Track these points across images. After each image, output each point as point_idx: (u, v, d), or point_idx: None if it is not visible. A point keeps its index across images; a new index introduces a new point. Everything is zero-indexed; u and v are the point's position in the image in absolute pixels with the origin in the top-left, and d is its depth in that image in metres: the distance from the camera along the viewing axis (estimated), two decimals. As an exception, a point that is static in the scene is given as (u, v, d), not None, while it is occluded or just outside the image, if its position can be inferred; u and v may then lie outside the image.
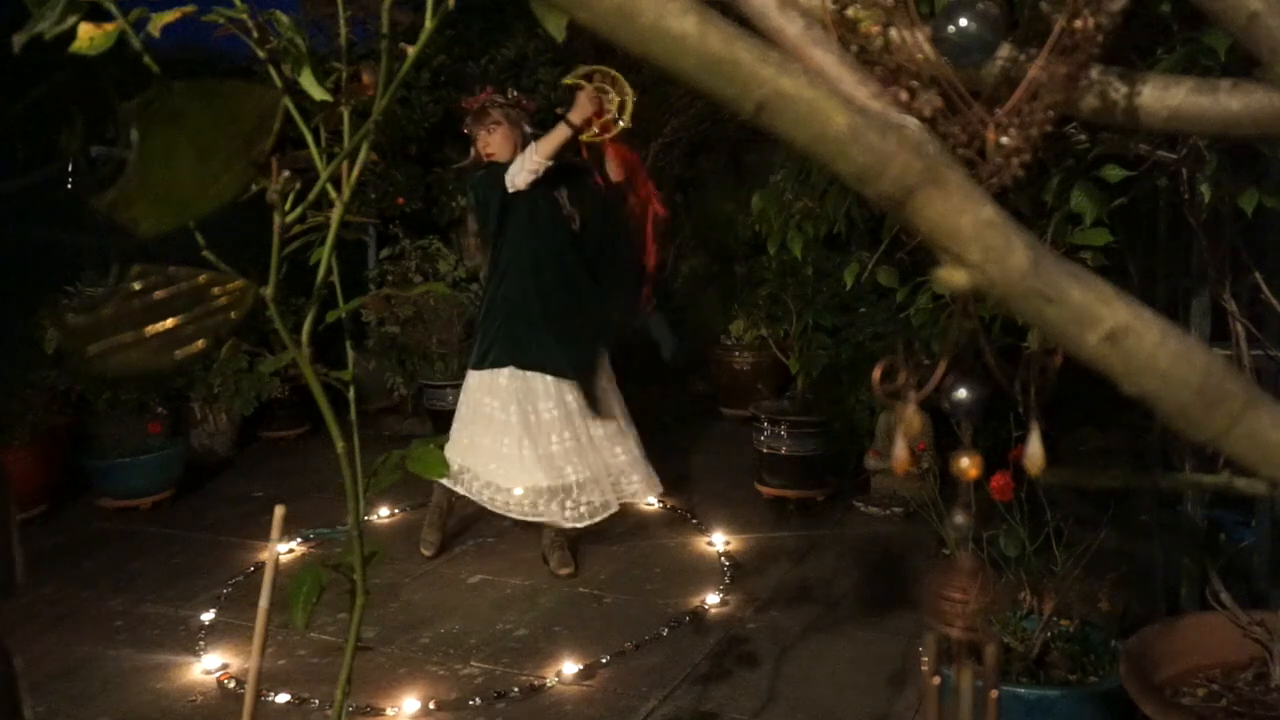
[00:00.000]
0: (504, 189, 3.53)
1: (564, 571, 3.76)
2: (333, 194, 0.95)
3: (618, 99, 3.46)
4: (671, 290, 5.58)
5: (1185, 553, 2.56)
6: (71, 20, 0.82)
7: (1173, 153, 1.81)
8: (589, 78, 3.46)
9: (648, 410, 6.01)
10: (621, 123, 3.46)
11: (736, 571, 3.80)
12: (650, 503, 4.58)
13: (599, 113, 3.45)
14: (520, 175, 3.48)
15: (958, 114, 0.64)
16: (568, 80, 3.50)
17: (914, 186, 0.55)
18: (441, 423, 5.63)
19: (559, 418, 3.71)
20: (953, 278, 0.57)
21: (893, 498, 4.35)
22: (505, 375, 3.70)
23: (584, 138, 3.48)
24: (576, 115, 3.41)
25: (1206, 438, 0.60)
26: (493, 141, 3.67)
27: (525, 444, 3.66)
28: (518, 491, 3.69)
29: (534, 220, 3.61)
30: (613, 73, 3.46)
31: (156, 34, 0.89)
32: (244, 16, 0.93)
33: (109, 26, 0.85)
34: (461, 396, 3.87)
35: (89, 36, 0.84)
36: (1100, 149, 1.77)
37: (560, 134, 3.43)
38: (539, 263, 3.64)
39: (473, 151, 3.77)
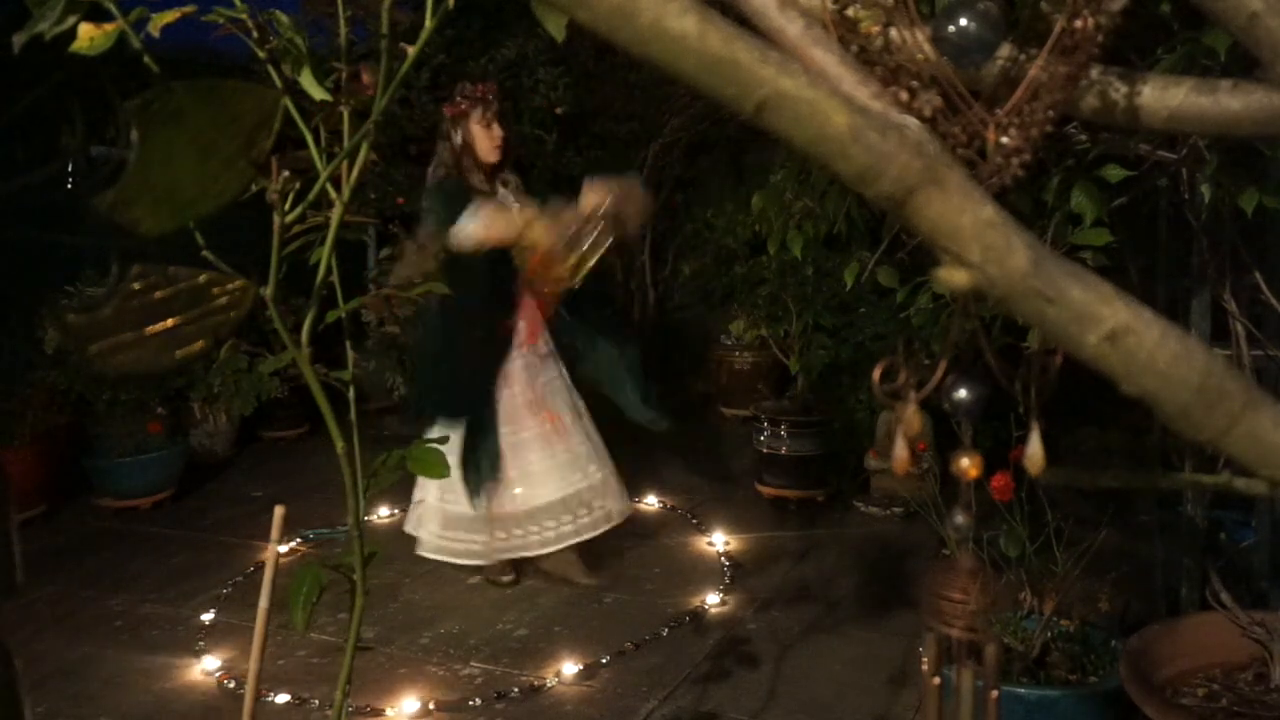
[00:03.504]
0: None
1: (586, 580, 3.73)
2: (333, 194, 0.95)
3: (577, 256, 3.12)
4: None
5: (1185, 553, 2.56)
6: (71, 20, 0.82)
7: (1173, 153, 1.81)
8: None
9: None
10: (568, 279, 3.16)
11: (736, 571, 3.80)
12: (649, 503, 4.59)
13: (550, 257, 3.16)
14: (460, 237, 3.28)
15: (958, 114, 0.64)
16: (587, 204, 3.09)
17: (914, 186, 0.55)
18: (441, 423, 5.63)
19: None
20: (953, 278, 0.57)
21: (893, 498, 4.35)
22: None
23: (533, 277, 3.29)
24: (538, 239, 3.22)
25: (1206, 438, 0.60)
26: (497, 137, 3.49)
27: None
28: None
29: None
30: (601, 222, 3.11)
31: (156, 34, 0.89)
32: (244, 16, 0.93)
33: (109, 26, 0.85)
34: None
35: (89, 36, 0.84)
36: (1100, 149, 1.77)
37: (498, 227, 3.26)
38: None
39: (446, 146, 3.54)
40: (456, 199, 3.39)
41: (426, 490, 3.68)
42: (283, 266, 0.92)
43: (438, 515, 3.63)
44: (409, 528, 3.74)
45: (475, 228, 3.27)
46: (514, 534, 3.57)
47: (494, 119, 3.47)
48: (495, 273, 3.39)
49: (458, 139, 3.48)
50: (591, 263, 3.13)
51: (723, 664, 3.11)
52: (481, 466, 3.45)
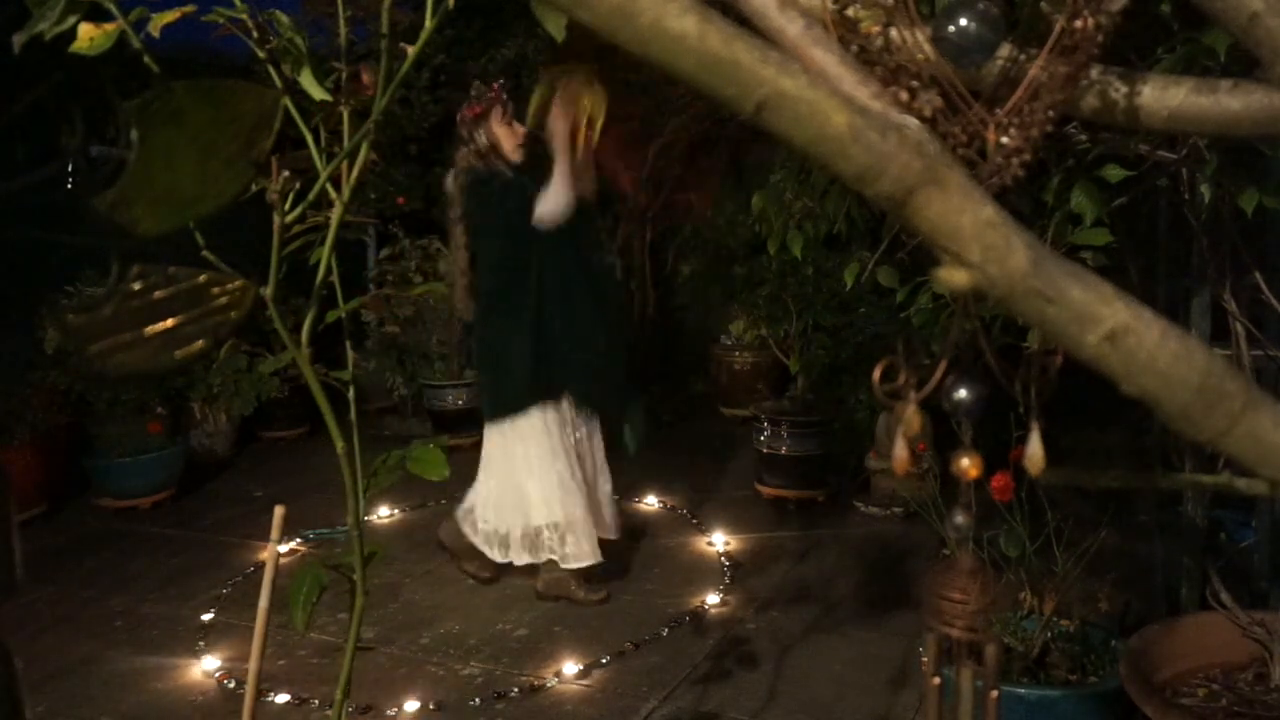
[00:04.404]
0: (529, 212, 3.39)
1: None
2: (333, 194, 0.95)
3: (588, 105, 3.34)
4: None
5: (1185, 553, 2.56)
6: (71, 20, 0.82)
7: (1173, 153, 1.81)
8: (554, 85, 3.36)
9: (648, 410, 6.02)
10: (597, 130, 3.35)
11: (736, 571, 3.80)
12: (649, 503, 4.59)
13: (574, 130, 3.34)
14: (553, 216, 3.35)
15: (958, 114, 0.64)
16: (534, 101, 3.36)
17: (914, 186, 0.55)
18: (441, 423, 5.63)
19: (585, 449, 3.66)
20: (953, 278, 0.57)
21: (893, 498, 4.35)
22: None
23: (576, 151, 3.35)
24: (560, 144, 3.32)
25: (1206, 438, 0.60)
26: (519, 135, 3.51)
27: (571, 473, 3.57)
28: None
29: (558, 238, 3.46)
30: (569, 79, 3.34)
31: (156, 34, 0.89)
32: (244, 16, 0.93)
33: (109, 26, 0.85)
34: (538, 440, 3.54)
35: (89, 36, 0.84)
36: (1100, 149, 1.77)
37: (564, 169, 3.33)
38: (568, 280, 3.50)
39: (470, 150, 3.50)
40: (497, 186, 3.45)
41: (545, 513, 3.55)
42: (283, 266, 0.92)
43: (556, 529, 3.56)
44: (530, 558, 3.59)
45: (555, 194, 3.34)
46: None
47: (513, 117, 3.51)
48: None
49: (482, 140, 3.49)
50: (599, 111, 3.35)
51: (723, 664, 3.11)
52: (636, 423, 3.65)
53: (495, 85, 3.54)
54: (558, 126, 3.32)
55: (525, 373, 3.48)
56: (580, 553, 3.53)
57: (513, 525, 3.57)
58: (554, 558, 3.55)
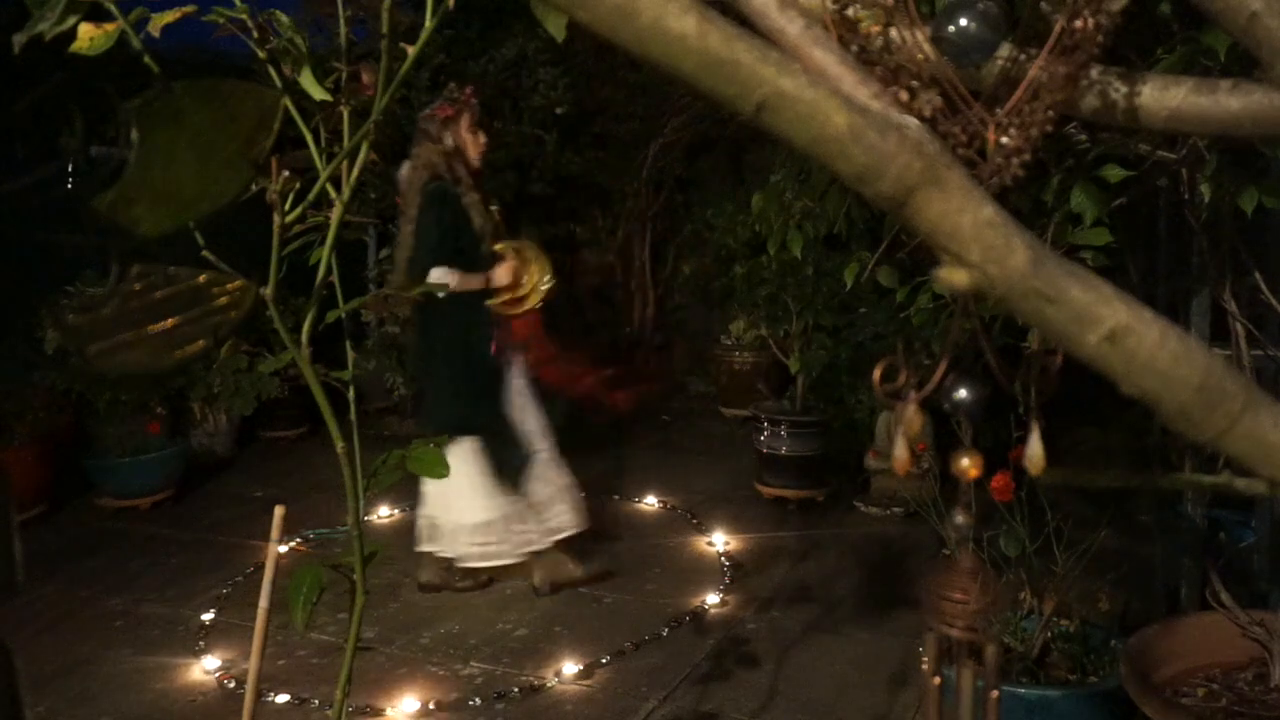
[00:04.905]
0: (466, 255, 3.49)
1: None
2: (333, 194, 0.95)
3: (534, 280, 3.57)
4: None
5: (1185, 553, 2.56)
6: (71, 20, 0.82)
7: (1173, 153, 1.81)
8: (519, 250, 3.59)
9: (648, 410, 6.02)
10: (527, 303, 3.59)
11: (736, 571, 3.80)
12: (649, 503, 4.58)
13: (514, 286, 3.54)
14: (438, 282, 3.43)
15: (958, 114, 0.64)
16: (499, 248, 3.56)
17: (914, 186, 0.55)
18: (441, 423, 5.63)
19: None
20: (953, 278, 0.57)
21: (893, 498, 4.35)
22: None
23: (492, 302, 3.54)
24: (496, 279, 3.50)
25: (1206, 438, 0.60)
26: (483, 143, 3.57)
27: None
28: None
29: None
30: (536, 254, 3.60)
31: (156, 34, 0.89)
32: (244, 16, 0.93)
33: (109, 26, 0.85)
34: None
35: (89, 36, 0.84)
36: (1100, 149, 1.77)
37: (474, 283, 3.48)
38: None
39: (435, 149, 3.48)
40: (454, 211, 3.47)
41: (446, 509, 3.63)
42: (283, 266, 0.92)
43: (463, 528, 3.61)
44: (443, 551, 3.67)
45: (453, 277, 3.44)
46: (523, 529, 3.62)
47: (480, 125, 3.54)
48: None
49: (449, 142, 3.48)
50: (540, 290, 3.63)
51: (723, 664, 3.11)
52: (516, 461, 3.60)
53: (468, 90, 3.57)
54: (505, 264, 3.52)
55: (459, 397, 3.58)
56: (501, 551, 3.58)
57: (441, 519, 3.64)
58: (470, 551, 3.60)
